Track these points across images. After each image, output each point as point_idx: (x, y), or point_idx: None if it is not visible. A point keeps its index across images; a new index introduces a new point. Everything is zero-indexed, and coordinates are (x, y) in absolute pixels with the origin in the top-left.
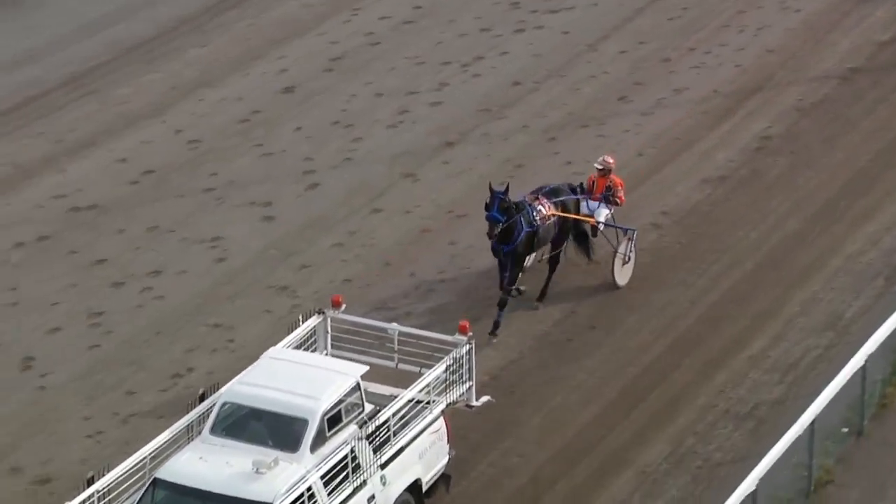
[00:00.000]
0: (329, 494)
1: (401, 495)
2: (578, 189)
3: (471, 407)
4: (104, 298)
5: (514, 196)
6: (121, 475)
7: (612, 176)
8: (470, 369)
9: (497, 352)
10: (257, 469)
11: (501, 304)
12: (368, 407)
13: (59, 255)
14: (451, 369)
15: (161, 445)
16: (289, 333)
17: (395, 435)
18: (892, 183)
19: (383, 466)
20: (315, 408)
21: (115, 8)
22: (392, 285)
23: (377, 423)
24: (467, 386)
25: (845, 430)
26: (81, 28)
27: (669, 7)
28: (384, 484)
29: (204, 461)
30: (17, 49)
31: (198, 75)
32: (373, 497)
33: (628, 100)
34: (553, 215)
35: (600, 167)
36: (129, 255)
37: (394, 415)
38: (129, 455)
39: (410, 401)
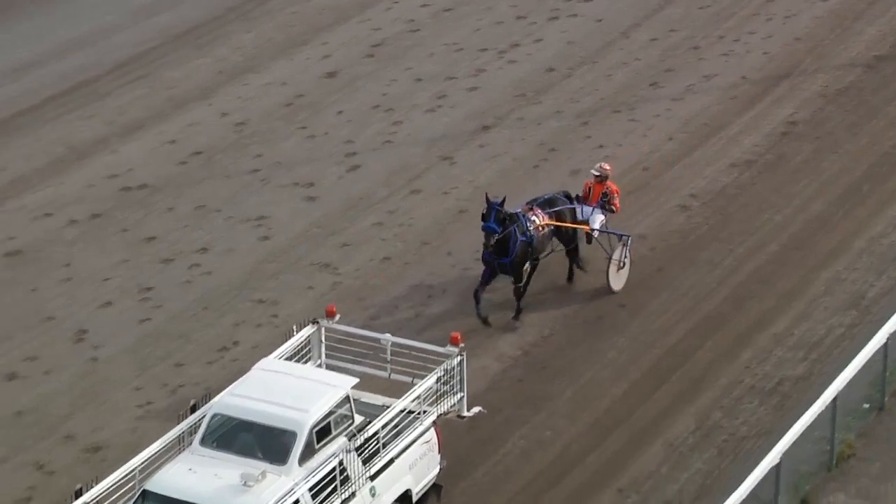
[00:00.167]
0: None
1: None
2: (576, 198)
3: (462, 417)
4: (154, 274)
5: (512, 208)
6: (110, 487)
7: (609, 183)
8: (461, 380)
9: (529, 328)
10: (245, 482)
11: (477, 299)
12: (358, 419)
13: (111, 232)
14: (443, 380)
15: (150, 457)
16: (283, 343)
17: (384, 447)
18: None
19: (373, 478)
20: (303, 420)
21: None
22: (429, 263)
23: (366, 435)
24: (459, 397)
25: (867, 405)
26: (131, 15)
27: None
28: (373, 495)
29: (193, 473)
30: (69, 36)
31: (244, 60)
32: None
33: (659, 86)
34: (548, 225)
35: (597, 174)
36: (178, 232)
37: (384, 426)
38: (171, 428)
39: (401, 411)
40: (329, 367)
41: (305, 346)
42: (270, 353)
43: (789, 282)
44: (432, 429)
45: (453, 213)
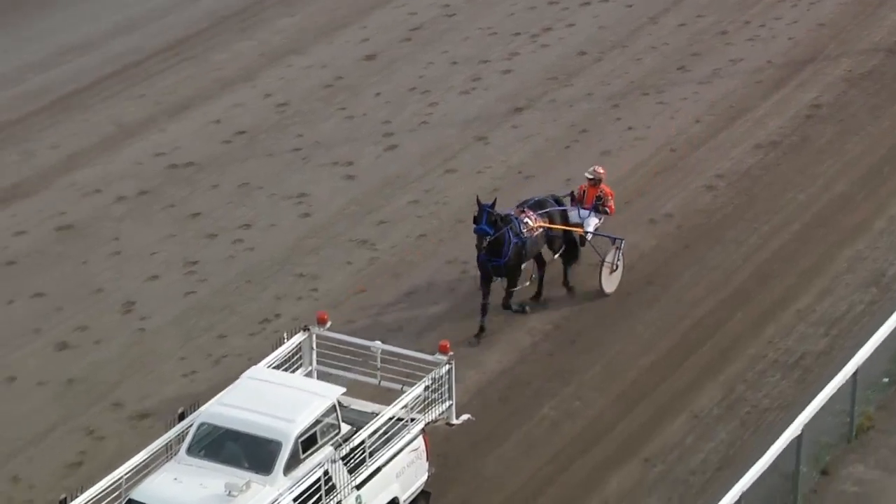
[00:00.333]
0: None
1: None
2: (570, 197)
3: (451, 425)
4: (199, 249)
5: (502, 210)
6: (95, 496)
7: (603, 185)
8: (450, 388)
9: (561, 302)
10: (229, 492)
11: (484, 311)
12: (345, 428)
13: (158, 208)
14: (431, 388)
15: (136, 466)
16: (274, 350)
17: (371, 455)
18: None
19: (359, 487)
20: (289, 430)
21: None
22: (464, 242)
23: (353, 444)
24: (447, 405)
25: (886, 380)
26: None
27: None
28: None
29: (178, 483)
30: (119, 18)
31: (286, 43)
32: None
33: (686, 69)
34: (540, 227)
35: (591, 177)
36: (222, 209)
37: (370, 435)
38: (213, 395)
39: (389, 419)
40: (320, 374)
41: (297, 353)
42: (264, 359)
43: (812, 259)
44: (420, 437)
45: (487, 192)
